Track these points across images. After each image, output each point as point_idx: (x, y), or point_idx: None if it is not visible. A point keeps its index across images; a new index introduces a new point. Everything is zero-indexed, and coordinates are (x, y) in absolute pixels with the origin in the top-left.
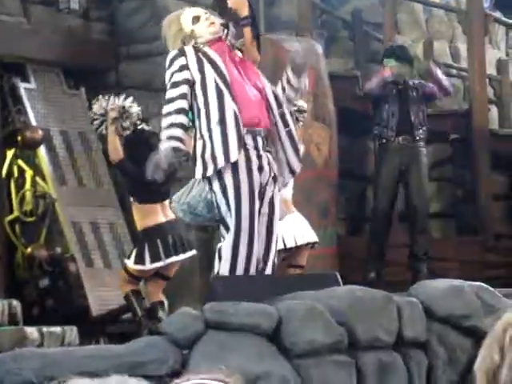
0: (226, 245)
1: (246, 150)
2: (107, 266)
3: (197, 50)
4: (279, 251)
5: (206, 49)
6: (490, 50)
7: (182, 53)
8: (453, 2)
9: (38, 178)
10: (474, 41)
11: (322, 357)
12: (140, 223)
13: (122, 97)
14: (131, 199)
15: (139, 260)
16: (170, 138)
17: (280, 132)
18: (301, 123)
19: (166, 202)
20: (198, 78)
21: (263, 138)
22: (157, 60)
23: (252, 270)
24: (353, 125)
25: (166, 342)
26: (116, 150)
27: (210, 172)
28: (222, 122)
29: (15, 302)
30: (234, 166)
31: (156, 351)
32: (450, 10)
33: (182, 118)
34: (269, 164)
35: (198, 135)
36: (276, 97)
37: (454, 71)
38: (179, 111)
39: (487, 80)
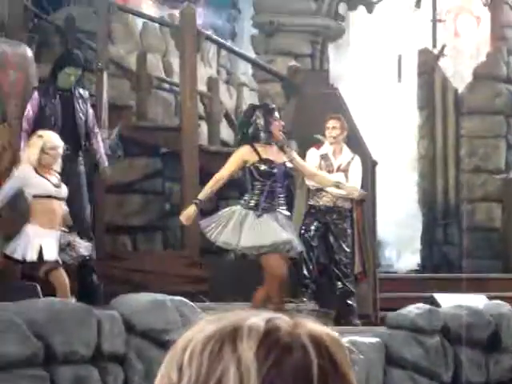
0: None
1: None
2: None
3: None
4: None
5: None
6: (201, 67)
7: None
8: (167, 17)
9: None
10: (186, 56)
11: (17, 370)
12: None
13: None
14: None
15: None
16: None
17: None
18: None
19: None
20: None
21: None
22: None
23: None
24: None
25: None
26: None
27: None
28: None
29: None
30: None
31: None
32: (163, 24)
33: None
34: None
35: None
36: None
37: (167, 85)
38: None
39: (198, 96)
